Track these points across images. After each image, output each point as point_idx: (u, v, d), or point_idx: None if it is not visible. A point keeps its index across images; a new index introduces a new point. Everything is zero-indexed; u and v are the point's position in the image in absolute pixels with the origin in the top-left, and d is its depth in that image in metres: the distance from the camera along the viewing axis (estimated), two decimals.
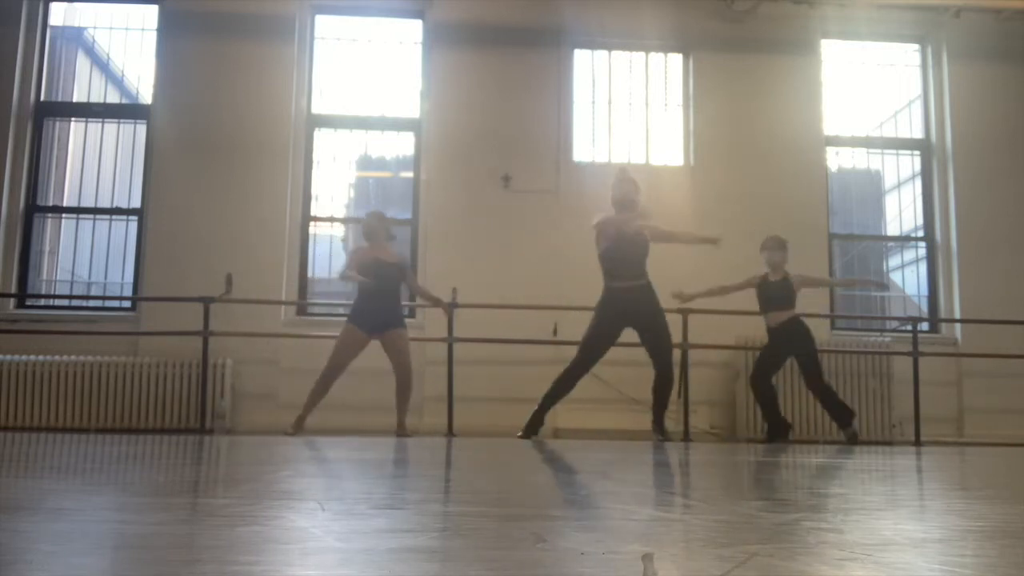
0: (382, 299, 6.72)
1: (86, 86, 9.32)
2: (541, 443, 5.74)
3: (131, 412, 7.52)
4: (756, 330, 8.00)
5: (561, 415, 7.74)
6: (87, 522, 1.69)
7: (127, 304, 8.28)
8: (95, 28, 9.11)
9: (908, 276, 9.36)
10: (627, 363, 7.92)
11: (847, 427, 6.81)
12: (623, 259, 6.27)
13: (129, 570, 1.21)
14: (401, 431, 6.67)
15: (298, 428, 6.62)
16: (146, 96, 8.65)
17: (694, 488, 2.89)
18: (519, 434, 6.26)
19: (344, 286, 9.12)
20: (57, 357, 7.58)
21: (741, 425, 8.07)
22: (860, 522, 1.84)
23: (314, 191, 8.54)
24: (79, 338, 7.61)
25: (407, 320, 8.33)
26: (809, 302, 8.16)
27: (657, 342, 6.31)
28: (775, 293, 6.94)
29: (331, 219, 9.17)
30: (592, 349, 6.37)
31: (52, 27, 8.68)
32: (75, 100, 9.05)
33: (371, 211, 7.15)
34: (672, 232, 6.55)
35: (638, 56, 8.88)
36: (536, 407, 6.31)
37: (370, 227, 6.90)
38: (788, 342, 6.90)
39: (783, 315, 6.91)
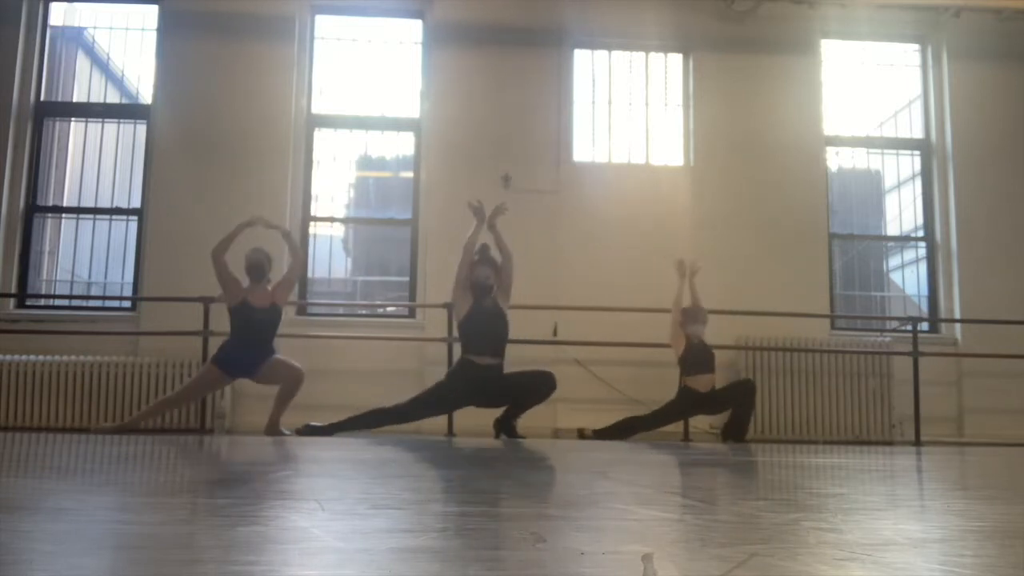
0: (251, 347, 6.35)
1: (86, 86, 9.32)
2: (527, 443, 5.73)
3: (131, 412, 7.50)
4: (756, 330, 8.02)
5: (561, 415, 7.74)
6: (87, 522, 1.69)
7: (127, 304, 8.28)
8: (95, 28, 9.10)
9: (908, 276, 9.35)
10: (627, 363, 7.94)
11: (594, 435, 6.76)
12: (483, 334, 6.10)
13: (129, 570, 1.21)
14: (272, 429, 6.31)
15: (122, 429, 6.45)
16: (146, 96, 8.65)
17: (694, 488, 2.89)
18: (296, 429, 6.06)
19: (344, 287, 9.12)
20: (57, 357, 7.58)
21: None
22: (860, 522, 1.83)
23: (314, 191, 8.54)
24: (79, 338, 7.61)
25: (408, 321, 8.37)
26: (809, 302, 8.17)
27: (520, 392, 6.13)
28: (708, 356, 6.93)
29: (331, 219, 9.17)
30: (424, 408, 6.20)
31: (52, 27, 8.67)
32: (75, 100, 9.04)
33: (257, 248, 6.54)
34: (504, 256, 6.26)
35: (638, 56, 8.87)
36: (344, 419, 6.08)
37: (254, 263, 6.41)
38: (705, 406, 6.92)
39: (713, 378, 6.92)
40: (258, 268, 6.42)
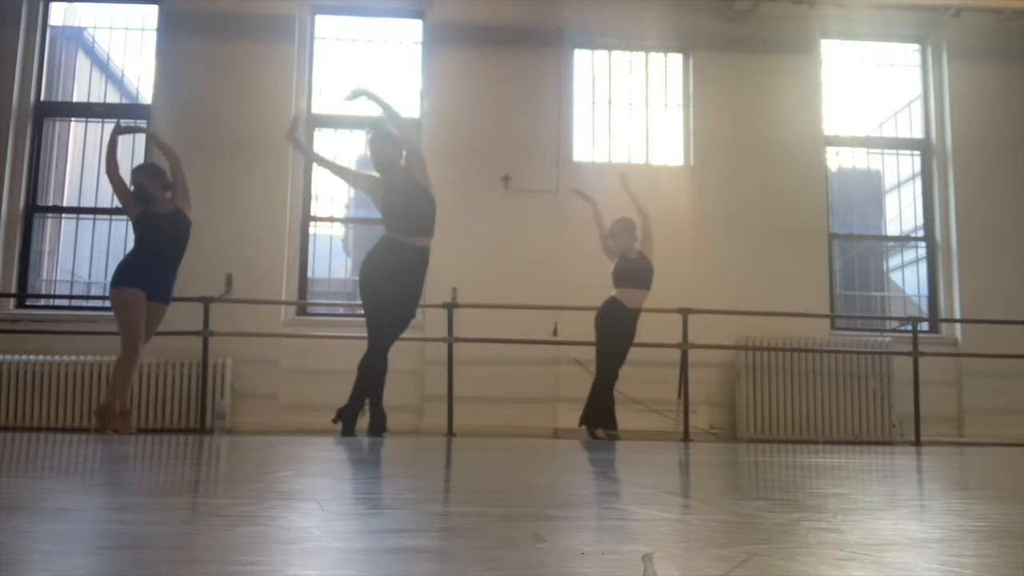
0: (160, 259, 5.93)
1: (86, 86, 9.31)
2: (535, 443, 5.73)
3: (131, 412, 7.50)
4: (756, 330, 8.02)
5: (561, 415, 7.74)
6: (87, 522, 1.69)
7: None
8: (95, 28, 9.10)
9: (908, 276, 9.36)
10: (627, 363, 7.92)
11: (607, 431, 6.68)
12: (405, 213, 5.96)
13: (129, 570, 1.21)
14: (121, 423, 5.94)
15: (124, 423, 5.92)
16: (146, 96, 8.65)
17: (694, 488, 2.89)
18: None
19: (344, 286, 9.12)
20: (57, 357, 7.58)
21: (741, 425, 8.07)
22: (860, 522, 1.83)
23: (314, 191, 8.54)
24: (79, 338, 7.61)
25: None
26: (809, 302, 8.18)
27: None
28: (641, 271, 6.77)
29: (331, 219, 9.17)
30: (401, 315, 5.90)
31: (52, 27, 8.68)
32: (75, 100, 9.04)
33: (137, 167, 6.20)
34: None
35: (638, 56, 8.88)
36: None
37: (136, 184, 5.95)
38: (629, 325, 6.77)
39: (644, 295, 6.77)
40: (140, 188, 5.97)
